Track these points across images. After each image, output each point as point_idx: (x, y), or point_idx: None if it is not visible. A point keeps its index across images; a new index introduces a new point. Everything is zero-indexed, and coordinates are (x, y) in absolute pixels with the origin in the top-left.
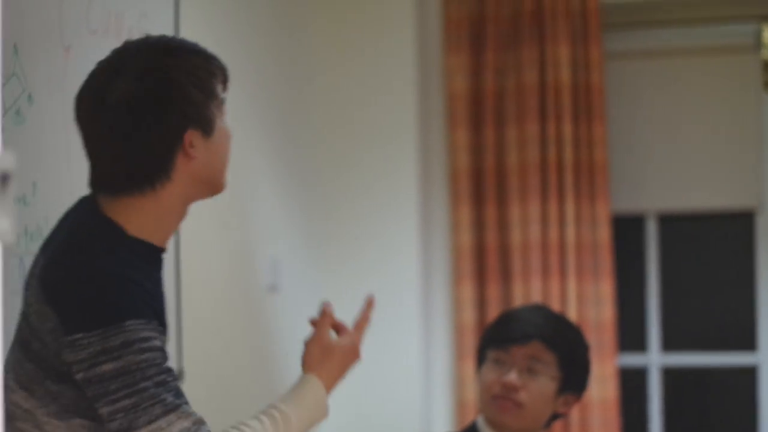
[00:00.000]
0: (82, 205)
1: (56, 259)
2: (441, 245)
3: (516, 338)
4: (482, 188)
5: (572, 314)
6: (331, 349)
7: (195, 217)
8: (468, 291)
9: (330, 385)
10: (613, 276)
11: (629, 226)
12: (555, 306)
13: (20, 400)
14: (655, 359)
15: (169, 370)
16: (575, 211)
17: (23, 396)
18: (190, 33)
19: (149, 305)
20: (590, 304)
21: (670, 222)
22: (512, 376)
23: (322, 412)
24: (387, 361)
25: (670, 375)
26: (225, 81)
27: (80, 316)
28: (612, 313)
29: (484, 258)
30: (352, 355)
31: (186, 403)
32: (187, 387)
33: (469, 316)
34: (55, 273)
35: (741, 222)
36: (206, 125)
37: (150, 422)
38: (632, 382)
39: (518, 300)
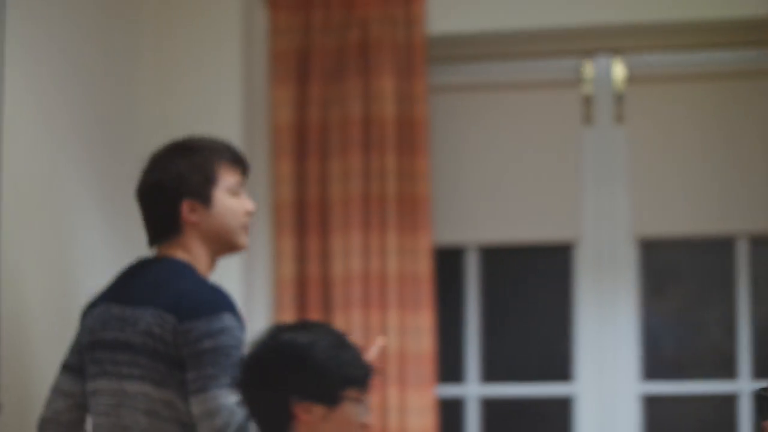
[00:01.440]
0: (148, 258)
1: (161, 284)
2: (263, 276)
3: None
4: (305, 220)
5: (393, 345)
6: None
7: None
8: (289, 320)
9: None
10: (434, 307)
11: (450, 258)
12: (370, 337)
13: (161, 395)
14: (473, 390)
15: (242, 357)
16: (397, 243)
17: (161, 390)
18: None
19: (238, 311)
20: (410, 335)
21: (490, 254)
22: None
23: None
24: None
25: (489, 406)
26: (238, 167)
27: (191, 312)
28: (431, 344)
29: (306, 289)
30: None
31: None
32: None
33: None
34: (166, 292)
35: (560, 254)
36: (204, 198)
37: (218, 388)
38: (451, 413)
39: None
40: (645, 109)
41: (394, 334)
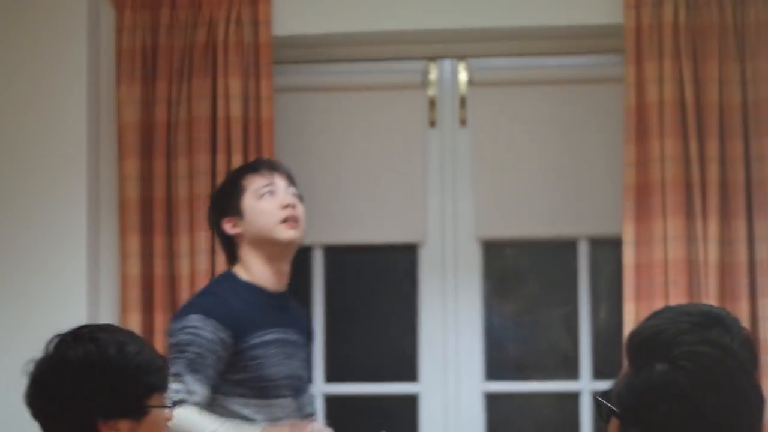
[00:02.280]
0: None
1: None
2: (109, 275)
3: None
4: (151, 218)
5: None
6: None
7: None
8: (135, 322)
9: None
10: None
11: (296, 258)
12: None
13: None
14: (318, 388)
15: (200, 354)
16: None
17: None
18: None
19: (224, 313)
20: None
21: (336, 254)
22: None
23: None
24: None
25: (334, 405)
26: (261, 171)
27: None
28: None
29: (152, 288)
30: None
31: (193, 376)
32: None
33: None
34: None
35: (405, 254)
36: (236, 210)
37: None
38: None
39: None
40: (488, 113)
41: None
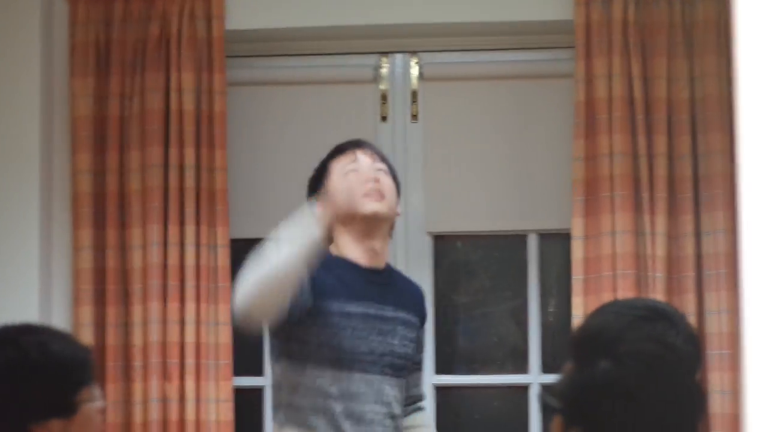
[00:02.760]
0: None
1: None
2: (62, 267)
3: None
4: (104, 211)
5: (190, 337)
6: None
7: None
8: (88, 314)
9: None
10: (231, 299)
11: (249, 251)
12: (168, 329)
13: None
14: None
15: None
16: (195, 236)
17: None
18: None
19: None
20: (209, 328)
21: None
22: None
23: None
24: None
25: None
26: (346, 151)
27: None
28: (229, 336)
29: (105, 281)
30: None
31: None
32: None
33: (88, 338)
34: None
35: None
36: (322, 190)
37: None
38: (248, 403)
39: (137, 322)
40: (439, 108)
41: (192, 326)
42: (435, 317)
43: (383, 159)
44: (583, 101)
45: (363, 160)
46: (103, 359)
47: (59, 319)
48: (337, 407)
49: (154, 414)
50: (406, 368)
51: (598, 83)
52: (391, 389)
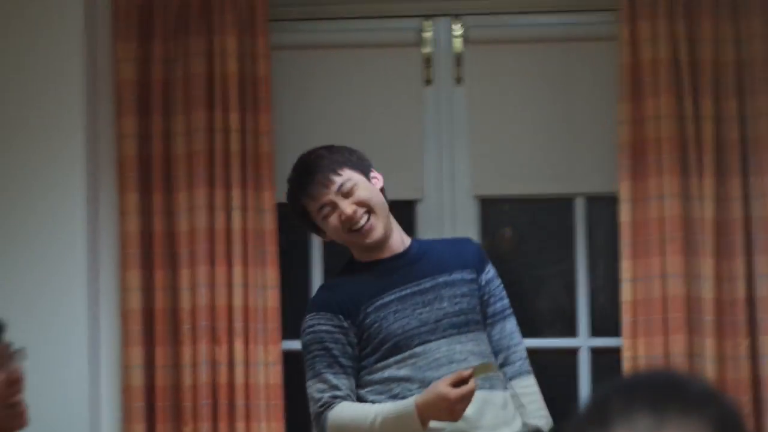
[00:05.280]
0: None
1: None
2: (109, 233)
3: None
4: (149, 176)
5: (238, 300)
6: (441, 397)
7: None
8: (135, 277)
9: (423, 417)
10: (278, 263)
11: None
12: (216, 292)
13: None
14: None
15: (326, 347)
16: (241, 200)
17: None
18: None
19: (331, 300)
20: (256, 291)
21: None
22: None
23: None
24: (52, 348)
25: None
26: (312, 193)
27: None
28: (277, 299)
29: (152, 245)
30: (445, 414)
31: (330, 372)
32: None
33: (136, 302)
34: None
35: (403, 210)
36: (316, 231)
37: (307, 380)
38: (297, 366)
39: (185, 287)
40: (484, 71)
41: (240, 290)
42: None
43: (339, 172)
44: (628, 64)
45: (330, 198)
46: (151, 322)
47: (107, 283)
48: (412, 387)
49: (203, 377)
50: (475, 321)
51: (643, 46)
52: (462, 346)
